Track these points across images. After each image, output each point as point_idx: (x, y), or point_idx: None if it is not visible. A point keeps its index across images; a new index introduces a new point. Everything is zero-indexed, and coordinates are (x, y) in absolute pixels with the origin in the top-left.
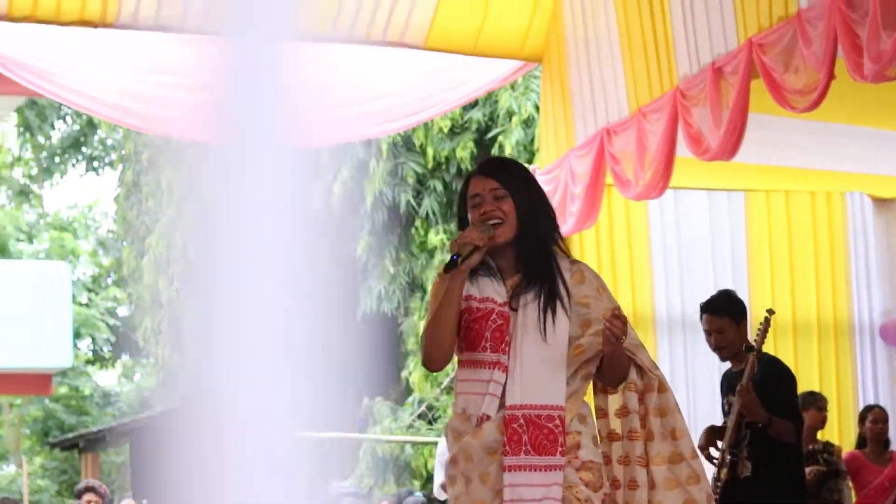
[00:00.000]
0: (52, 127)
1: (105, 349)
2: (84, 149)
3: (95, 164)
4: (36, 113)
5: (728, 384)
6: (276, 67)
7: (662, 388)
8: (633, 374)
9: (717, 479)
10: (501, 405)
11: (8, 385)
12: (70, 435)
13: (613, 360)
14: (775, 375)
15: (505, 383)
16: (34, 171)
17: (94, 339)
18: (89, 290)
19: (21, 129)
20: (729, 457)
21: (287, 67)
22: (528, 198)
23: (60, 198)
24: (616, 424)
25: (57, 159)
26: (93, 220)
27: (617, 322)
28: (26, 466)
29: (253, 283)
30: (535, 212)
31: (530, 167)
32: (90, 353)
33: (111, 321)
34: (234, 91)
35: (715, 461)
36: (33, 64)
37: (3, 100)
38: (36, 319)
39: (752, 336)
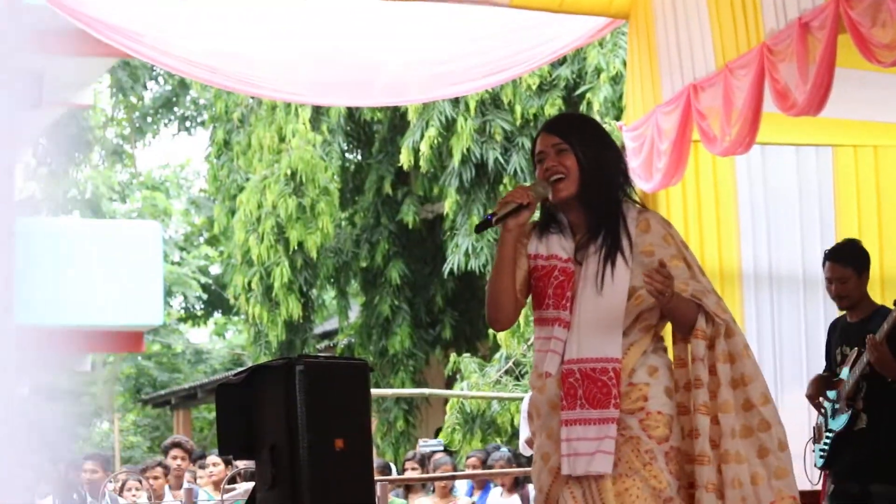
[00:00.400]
0: (145, 87)
1: (197, 307)
2: (176, 109)
3: (187, 123)
4: (129, 73)
5: (843, 334)
6: None
7: (729, 332)
8: (701, 322)
9: (822, 428)
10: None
11: (101, 343)
12: (162, 392)
13: (670, 310)
14: None
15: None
16: (127, 132)
17: (185, 297)
18: (181, 249)
19: (114, 90)
20: (848, 409)
21: None
22: (591, 151)
23: (153, 157)
24: None
25: (149, 119)
26: (185, 180)
27: (657, 276)
28: (118, 423)
29: None
30: (600, 165)
31: (617, 124)
32: (182, 311)
33: (203, 279)
34: None
35: (823, 410)
36: (125, 26)
37: (96, 61)
38: (128, 278)
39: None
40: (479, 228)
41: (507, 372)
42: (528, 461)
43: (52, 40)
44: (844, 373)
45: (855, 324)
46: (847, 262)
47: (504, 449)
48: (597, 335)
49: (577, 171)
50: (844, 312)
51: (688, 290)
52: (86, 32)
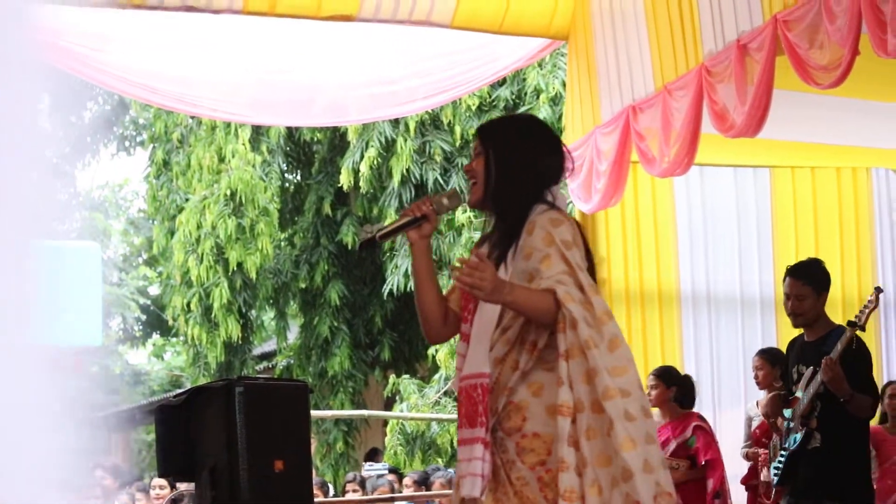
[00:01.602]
0: (84, 107)
1: (135, 328)
2: (115, 128)
3: (127, 143)
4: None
5: (799, 353)
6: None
7: (573, 323)
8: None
9: (777, 446)
10: None
11: None
12: (100, 414)
13: (509, 306)
14: (855, 350)
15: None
16: (66, 151)
17: (124, 318)
18: (120, 270)
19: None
20: (802, 428)
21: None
22: (503, 153)
23: (92, 177)
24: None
25: (89, 139)
26: (123, 200)
27: (462, 270)
28: None
29: None
30: (509, 167)
31: None
32: (121, 332)
33: (142, 300)
34: None
35: (777, 430)
36: (65, 46)
37: None
38: (66, 298)
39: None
40: (363, 245)
41: (445, 393)
42: None
43: None
44: (799, 392)
45: (811, 343)
46: (807, 279)
47: (449, 470)
48: (477, 349)
49: (483, 175)
50: (802, 332)
51: (542, 283)
52: None
